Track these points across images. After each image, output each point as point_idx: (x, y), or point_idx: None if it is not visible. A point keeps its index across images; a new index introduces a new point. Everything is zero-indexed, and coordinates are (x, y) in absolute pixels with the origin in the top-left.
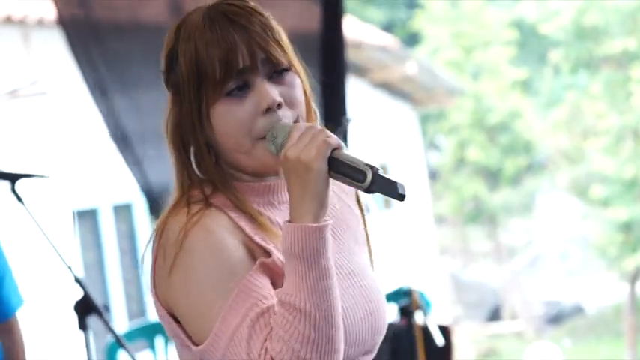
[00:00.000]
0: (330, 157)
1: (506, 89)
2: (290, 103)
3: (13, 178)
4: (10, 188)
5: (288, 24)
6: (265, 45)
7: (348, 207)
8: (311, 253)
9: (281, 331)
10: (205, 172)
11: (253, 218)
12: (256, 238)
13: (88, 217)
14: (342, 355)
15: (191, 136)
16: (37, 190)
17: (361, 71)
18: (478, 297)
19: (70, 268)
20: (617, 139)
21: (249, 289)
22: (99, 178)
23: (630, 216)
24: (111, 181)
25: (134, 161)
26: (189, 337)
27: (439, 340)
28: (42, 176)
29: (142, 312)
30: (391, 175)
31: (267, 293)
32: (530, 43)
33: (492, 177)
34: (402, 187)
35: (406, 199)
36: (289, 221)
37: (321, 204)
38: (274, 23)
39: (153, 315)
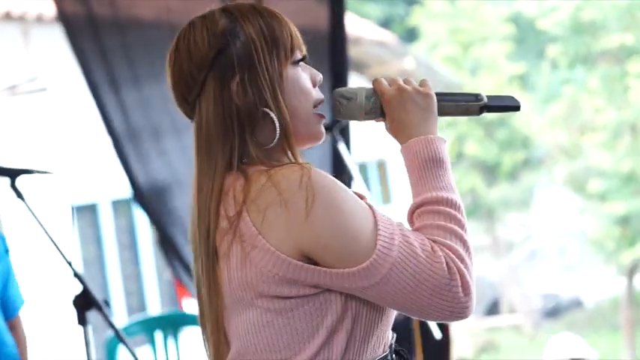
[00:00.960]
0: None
1: (504, 84)
2: None
3: (13, 174)
4: (9, 184)
5: (296, 21)
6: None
7: None
8: (446, 158)
9: (433, 221)
10: (283, 135)
11: None
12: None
13: (87, 213)
14: None
15: (272, 99)
16: (37, 186)
17: (359, 67)
18: (476, 291)
19: (69, 263)
20: (614, 133)
21: (381, 213)
22: (98, 174)
23: (628, 210)
24: (110, 176)
25: (126, 157)
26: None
27: (437, 333)
28: (42, 172)
29: (141, 307)
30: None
31: None
32: (527, 39)
33: (490, 171)
34: (515, 97)
35: (521, 108)
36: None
37: (437, 124)
38: None
39: (153, 309)
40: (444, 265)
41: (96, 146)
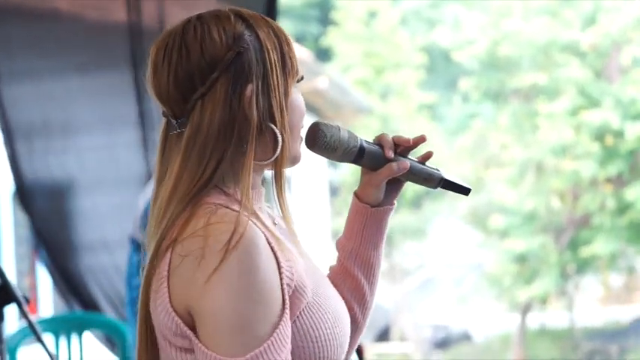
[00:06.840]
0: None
1: (414, 112)
2: None
3: None
4: None
5: None
6: None
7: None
8: None
9: None
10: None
11: (272, 235)
12: (287, 275)
13: None
14: None
15: (279, 115)
16: None
17: None
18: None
19: None
20: (520, 171)
21: (284, 337)
22: None
23: (527, 248)
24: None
25: (11, 153)
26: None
27: None
28: None
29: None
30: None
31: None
32: (441, 69)
33: None
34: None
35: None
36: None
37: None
38: None
39: (45, 311)
40: None
41: None
